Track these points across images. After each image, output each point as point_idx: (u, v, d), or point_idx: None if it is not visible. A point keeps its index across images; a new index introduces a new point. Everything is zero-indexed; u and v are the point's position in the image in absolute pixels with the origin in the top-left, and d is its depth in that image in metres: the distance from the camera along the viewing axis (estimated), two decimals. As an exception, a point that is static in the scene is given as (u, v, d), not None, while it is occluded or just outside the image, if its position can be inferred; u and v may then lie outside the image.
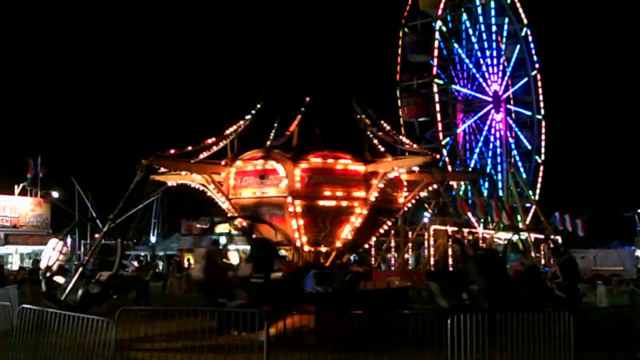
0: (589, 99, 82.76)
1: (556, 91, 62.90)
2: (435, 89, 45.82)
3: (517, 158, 53.11)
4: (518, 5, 54.16)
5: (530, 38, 54.61)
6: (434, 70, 46.01)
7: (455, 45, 49.17)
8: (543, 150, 54.82)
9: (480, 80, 50.42)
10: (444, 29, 47.78)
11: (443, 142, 45.71)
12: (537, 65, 54.84)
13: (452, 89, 48.45)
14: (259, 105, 19.11)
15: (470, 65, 50.14)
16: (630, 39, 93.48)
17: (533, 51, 54.81)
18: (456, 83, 49.50)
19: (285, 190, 17.26)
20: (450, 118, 47.51)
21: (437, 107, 45.86)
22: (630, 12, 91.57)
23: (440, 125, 45.96)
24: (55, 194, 41.78)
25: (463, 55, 49.86)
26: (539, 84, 55.11)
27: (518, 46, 53.63)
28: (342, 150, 18.32)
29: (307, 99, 19.21)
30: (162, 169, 18.55)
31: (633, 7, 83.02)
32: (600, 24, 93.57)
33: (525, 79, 54.27)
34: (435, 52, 46.24)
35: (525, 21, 54.23)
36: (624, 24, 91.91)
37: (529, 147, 53.65)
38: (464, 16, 50.75)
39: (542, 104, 55.12)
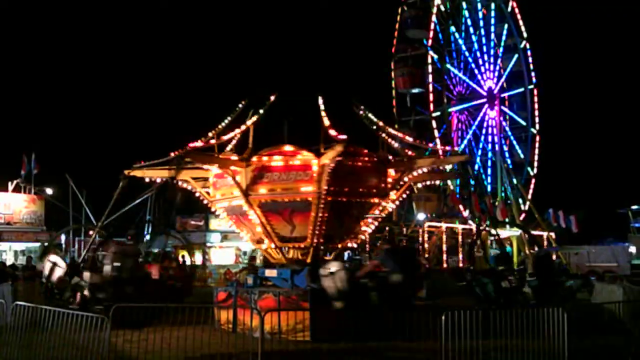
0: (583, 98, 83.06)
1: (551, 98, 62.96)
2: (429, 60, 45.89)
3: (510, 163, 52.99)
4: (519, 17, 53.92)
5: (529, 51, 54.34)
6: (430, 42, 46.16)
7: (453, 28, 49.08)
8: (536, 164, 54.63)
9: (476, 72, 50.37)
10: (442, 8, 47.93)
11: (434, 114, 45.76)
12: (534, 80, 54.57)
13: (446, 68, 48.44)
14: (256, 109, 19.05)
15: (467, 54, 50.06)
16: (622, 40, 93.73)
17: (531, 66, 54.57)
18: (450, 65, 49.43)
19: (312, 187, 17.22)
20: (444, 105, 47.51)
21: (430, 78, 45.97)
22: (619, 20, 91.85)
23: (431, 96, 46.01)
24: (49, 191, 41.62)
25: (460, 42, 49.73)
26: (535, 98, 54.91)
27: (516, 56, 53.39)
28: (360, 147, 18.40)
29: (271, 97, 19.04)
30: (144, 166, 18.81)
31: (622, 16, 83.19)
32: (592, 28, 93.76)
33: (522, 89, 53.92)
34: (431, 34, 46.37)
35: (524, 34, 54.04)
36: (614, 25, 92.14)
37: (522, 156, 53.54)
38: (465, 13, 50.73)
39: (537, 119, 54.86)
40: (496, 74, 51.82)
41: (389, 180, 18.88)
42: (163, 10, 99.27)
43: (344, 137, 16.49)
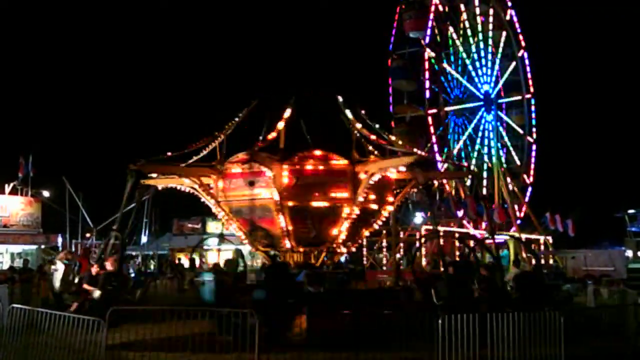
0: (579, 99, 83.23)
1: (547, 105, 63.10)
2: (426, 56, 46.02)
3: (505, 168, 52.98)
4: (516, 25, 53.96)
5: (527, 61, 54.39)
6: (427, 39, 46.31)
7: (451, 29, 49.14)
8: (532, 172, 54.67)
9: (473, 74, 50.40)
10: (440, 8, 48.03)
11: (430, 112, 45.83)
12: (531, 89, 54.58)
13: (443, 68, 48.51)
14: (240, 113, 19.09)
15: (464, 55, 50.08)
16: (619, 42, 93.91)
17: (529, 75, 54.58)
18: (448, 65, 49.51)
19: (273, 192, 17.25)
20: (439, 102, 47.61)
21: (427, 74, 46.06)
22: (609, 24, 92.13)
23: (428, 93, 46.06)
24: (46, 194, 41.59)
25: (458, 42, 49.77)
26: (532, 107, 54.93)
27: (513, 64, 53.40)
28: (330, 150, 18.38)
29: (292, 99, 19.10)
30: (154, 174, 18.61)
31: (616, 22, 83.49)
32: (590, 39, 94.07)
33: (519, 98, 53.94)
34: (429, 32, 46.49)
35: (522, 43, 54.07)
36: (608, 27, 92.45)
37: (518, 163, 53.57)
38: (464, 15, 50.78)
39: (534, 129, 54.90)
40: (493, 78, 51.83)
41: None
42: (160, 13, 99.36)
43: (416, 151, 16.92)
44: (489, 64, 51.37)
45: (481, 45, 50.85)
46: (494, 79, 51.76)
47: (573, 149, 75.03)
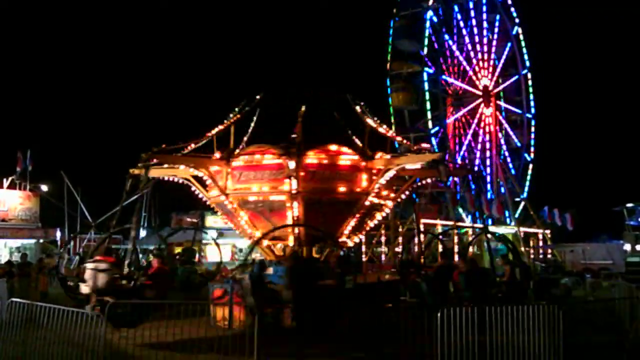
0: (578, 96, 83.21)
1: (546, 89, 63.21)
2: (425, 77, 45.92)
3: (507, 154, 53.21)
4: (510, 2, 54.14)
5: (521, 37, 54.63)
6: (424, 51, 46.18)
7: (446, 36, 49.14)
8: (532, 148, 54.88)
9: (471, 73, 50.43)
10: (435, 19, 47.86)
11: (432, 131, 45.79)
12: (527, 64, 54.81)
13: (442, 78, 48.48)
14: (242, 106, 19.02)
15: (461, 58, 50.12)
16: (618, 40, 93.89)
17: (524, 50, 54.84)
18: (446, 74, 49.54)
19: (291, 185, 17.18)
20: (440, 109, 47.62)
21: (427, 95, 46.00)
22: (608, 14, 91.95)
23: (429, 114, 46.06)
24: (44, 188, 41.56)
25: (454, 47, 49.84)
26: (530, 82, 55.16)
27: (509, 44, 53.63)
28: (345, 146, 18.37)
29: (308, 94, 19.04)
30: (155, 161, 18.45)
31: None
32: (588, 22, 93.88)
33: (516, 77, 54.21)
34: (426, 42, 46.36)
35: (517, 20, 54.21)
36: (611, 24, 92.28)
37: (519, 144, 53.72)
38: (456, 8, 50.78)
39: (532, 103, 55.19)
40: (490, 70, 51.90)
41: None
42: (163, 10, 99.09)
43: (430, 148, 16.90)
44: (485, 56, 51.45)
45: (476, 39, 50.92)
46: (491, 70, 51.86)
47: (572, 144, 75.11)
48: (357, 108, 19.30)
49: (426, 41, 46.59)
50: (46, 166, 42.62)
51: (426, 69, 46.21)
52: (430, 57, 47.20)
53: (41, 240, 39.43)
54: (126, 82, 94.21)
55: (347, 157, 18.06)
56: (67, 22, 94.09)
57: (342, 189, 17.89)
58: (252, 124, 19.42)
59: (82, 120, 78.51)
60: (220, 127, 18.76)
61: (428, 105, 46.12)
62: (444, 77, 48.75)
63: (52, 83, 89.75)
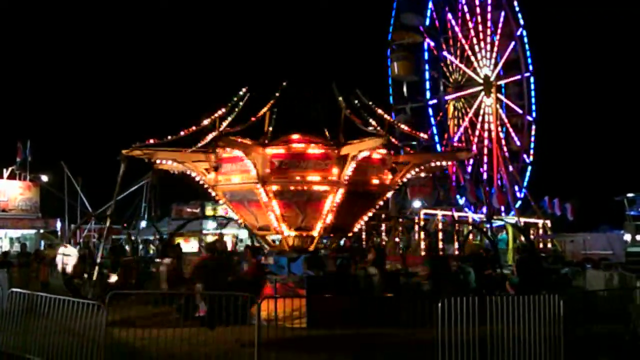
0: (580, 86, 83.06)
1: (547, 86, 62.95)
2: (426, 46, 45.77)
3: (506, 152, 52.92)
4: (515, 4, 53.68)
5: (525, 39, 54.17)
6: (428, 31, 46.03)
7: (450, 15, 48.86)
8: (532, 151, 54.57)
9: (472, 59, 50.17)
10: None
11: (430, 103, 45.63)
12: (530, 67, 54.39)
13: (443, 55, 48.26)
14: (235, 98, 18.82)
15: (464, 41, 49.82)
16: (619, 33, 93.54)
17: (528, 53, 54.37)
18: (447, 52, 49.24)
19: (254, 177, 17.09)
20: (440, 95, 47.40)
21: (427, 66, 45.85)
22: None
23: (428, 84, 45.89)
24: (44, 178, 41.54)
25: (457, 29, 49.51)
26: (532, 86, 54.73)
27: (513, 42, 53.20)
28: (318, 133, 18.29)
29: (283, 83, 18.84)
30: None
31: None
32: (588, 22, 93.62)
33: (519, 77, 53.78)
34: (428, 22, 46.25)
35: (521, 22, 53.82)
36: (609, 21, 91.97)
37: (519, 143, 53.45)
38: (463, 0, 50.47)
39: (533, 107, 54.79)
40: (493, 60, 51.64)
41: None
42: (161, 2, 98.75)
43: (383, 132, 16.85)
44: (488, 46, 51.19)
45: (480, 27, 50.65)
46: (493, 61, 51.61)
47: (573, 133, 75.01)
48: (340, 99, 18.82)
49: (428, 21, 46.42)
50: (46, 156, 42.68)
51: (428, 40, 45.98)
52: (433, 36, 46.99)
53: (41, 231, 39.45)
54: (127, 72, 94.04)
55: (380, 152, 18.19)
56: (66, 14, 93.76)
57: (375, 181, 18.29)
58: (273, 116, 19.07)
59: (82, 111, 78.51)
60: (229, 118, 18.39)
61: (427, 75, 45.91)
62: (445, 54, 48.41)
63: (52, 73, 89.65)
